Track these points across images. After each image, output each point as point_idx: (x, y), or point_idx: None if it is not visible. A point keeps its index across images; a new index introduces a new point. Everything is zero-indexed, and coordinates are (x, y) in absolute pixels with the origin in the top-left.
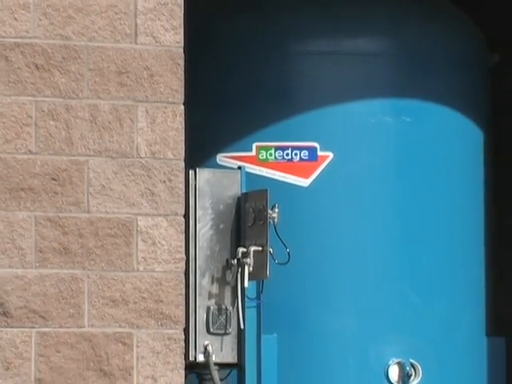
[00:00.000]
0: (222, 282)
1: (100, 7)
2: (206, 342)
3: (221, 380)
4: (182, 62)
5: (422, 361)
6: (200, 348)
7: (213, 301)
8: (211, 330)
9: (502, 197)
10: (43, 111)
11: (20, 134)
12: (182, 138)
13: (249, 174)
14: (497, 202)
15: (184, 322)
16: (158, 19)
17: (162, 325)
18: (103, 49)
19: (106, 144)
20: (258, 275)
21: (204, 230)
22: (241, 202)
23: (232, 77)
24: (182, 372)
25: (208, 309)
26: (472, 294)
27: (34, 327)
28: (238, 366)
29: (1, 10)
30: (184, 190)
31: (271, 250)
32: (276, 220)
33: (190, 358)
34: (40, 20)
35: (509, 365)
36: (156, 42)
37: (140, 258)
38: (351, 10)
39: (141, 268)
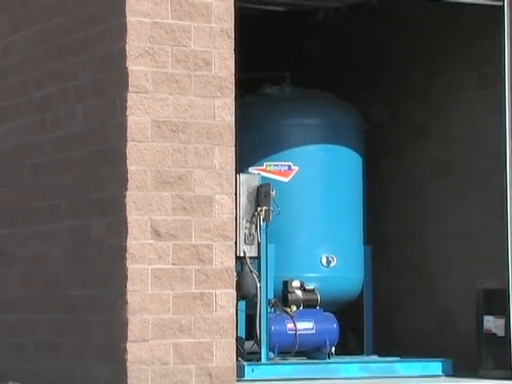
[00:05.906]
0: (250, 222)
1: (199, 105)
2: (244, 247)
3: (250, 264)
4: (233, 128)
5: (336, 254)
6: (241, 249)
7: (247, 230)
8: (246, 241)
9: (368, 186)
10: (174, 149)
11: (164, 159)
12: (233, 160)
13: (262, 177)
14: (367, 187)
15: (234, 238)
16: (223, 110)
17: (225, 240)
18: (200, 123)
19: (201, 163)
20: (266, 219)
21: (243, 200)
22: (258, 188)
23: (254, 135)
24: (233, 260)
25: (245, 233)
26: (358, 224)
27: (171, 241)
28: (258, 258)
29: (157, 107)
30: (234, 183)
31: (271, 208)
32: (273, 196)
33: (237, 254)
34: (174, 110)
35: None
36: (222, 119)
37: (216, 211)
38: (306, 103)
39: (216, 216)
